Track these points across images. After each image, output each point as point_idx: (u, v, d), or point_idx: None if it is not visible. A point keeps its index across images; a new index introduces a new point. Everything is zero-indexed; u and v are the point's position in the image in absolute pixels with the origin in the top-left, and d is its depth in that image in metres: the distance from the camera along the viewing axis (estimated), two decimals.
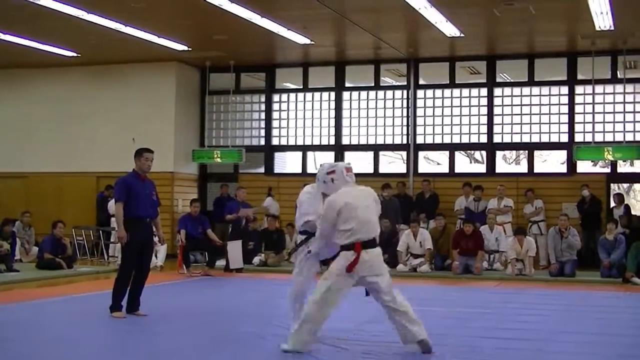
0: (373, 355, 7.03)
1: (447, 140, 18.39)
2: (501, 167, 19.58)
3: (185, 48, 17.23)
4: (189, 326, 8.72)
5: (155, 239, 9.93)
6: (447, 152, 18.81)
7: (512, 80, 18.43)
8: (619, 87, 16.97)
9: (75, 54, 17.98)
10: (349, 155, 18.88)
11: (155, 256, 15.78)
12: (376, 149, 18.95)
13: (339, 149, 18.94)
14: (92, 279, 14.07)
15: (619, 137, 16.93)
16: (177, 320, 9.19)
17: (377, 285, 6.89)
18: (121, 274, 9.34)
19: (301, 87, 19.52)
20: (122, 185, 9.31)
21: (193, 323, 8.97)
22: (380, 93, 18.91)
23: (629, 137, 16.90)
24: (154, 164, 9.48)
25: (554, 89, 17.71)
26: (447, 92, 18.42)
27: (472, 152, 23.32)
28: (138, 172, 9.43)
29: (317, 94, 19.36)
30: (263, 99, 19.75)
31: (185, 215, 15.99)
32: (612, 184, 17.84)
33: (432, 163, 23.20)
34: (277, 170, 19.65)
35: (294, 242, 17.46)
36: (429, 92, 18.54)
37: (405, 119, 18.53)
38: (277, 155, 19.79)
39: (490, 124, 17.99)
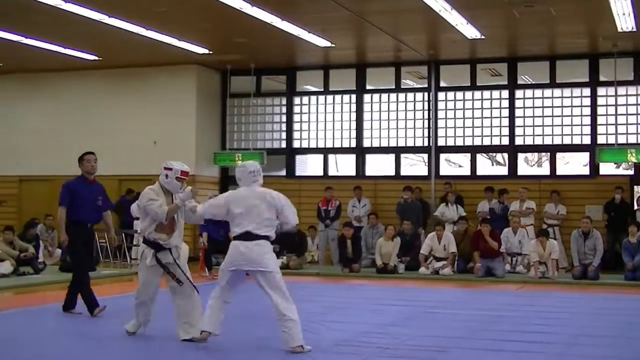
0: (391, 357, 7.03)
1: (468, 142, 18.32)
2: (523, 169, 19.45)
3: (206, 51, 17.29)
4: None
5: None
6: (469, 155, 18.74)
7: (533, 82, 18.32)
8: None
9: (96, 58, 18.09)
10: (370, 158, 18.89)
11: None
12: (397, 151, 18.92)
13: (360, 152, 18.93)
14: (115, 282, 14.15)
15: None
16: None
17: None
18: (77, 275, 9.71)
19: (322, 89, 19.53)
20: (65, 190, 9.59)
21: None
22: (401, 95, 18.87)
23: None
24: None
25: (576, 91, 17.60)
26: (468, 94, 18.36)
27: (494, 154, 23.22)
28: (85, 175, 9.69)
29: (337, 97, 19.36)
30: (284, 101, 19.78)
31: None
32: (635, 186, 17.68)
33: (454, 165, 23.12)
34: (298, 173, 19.65)
35: (315, 245, 17.56)
36: (450, 94, 18.48)
37: (426, 121, 18.49)
38: (299, 158, 19.80)
39: (511, 126, 17.90)
